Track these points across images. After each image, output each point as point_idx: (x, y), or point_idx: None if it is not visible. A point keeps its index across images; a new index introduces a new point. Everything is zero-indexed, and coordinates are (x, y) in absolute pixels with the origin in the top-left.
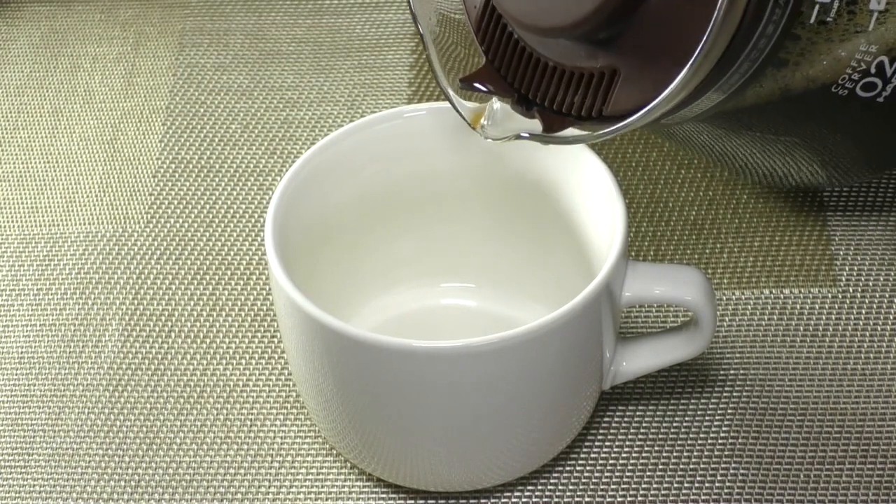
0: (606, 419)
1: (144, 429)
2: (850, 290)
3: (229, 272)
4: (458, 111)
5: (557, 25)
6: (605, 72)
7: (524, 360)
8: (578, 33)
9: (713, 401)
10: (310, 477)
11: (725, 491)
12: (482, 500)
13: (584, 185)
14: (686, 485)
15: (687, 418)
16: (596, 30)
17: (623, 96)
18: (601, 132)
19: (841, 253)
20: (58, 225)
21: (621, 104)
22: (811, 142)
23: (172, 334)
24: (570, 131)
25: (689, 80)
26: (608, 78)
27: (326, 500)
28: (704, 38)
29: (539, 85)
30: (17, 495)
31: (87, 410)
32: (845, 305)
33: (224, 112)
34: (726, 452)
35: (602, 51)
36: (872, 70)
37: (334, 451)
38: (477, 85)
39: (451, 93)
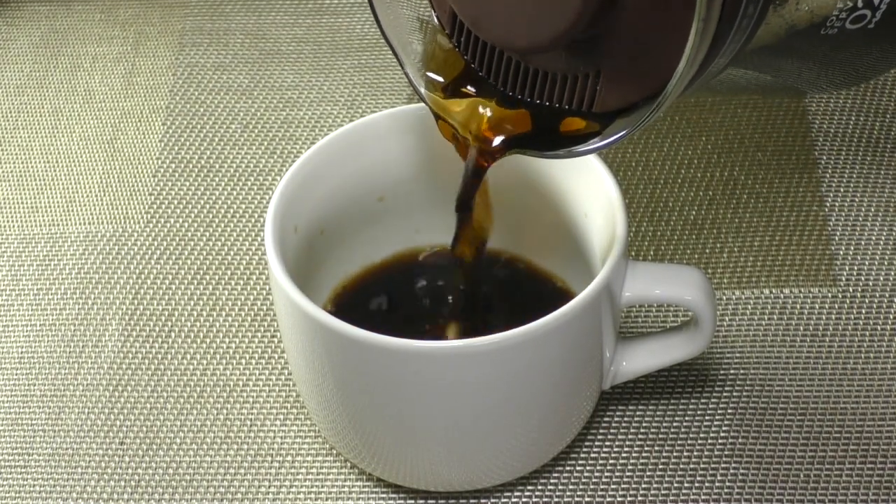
0: (606, 419)
1: (144, 429)
2: (850, 290)
3: (229, 272)
4: (444, 119)
5: (533, 45)
6: (588, 73)
7: (524, 360)
8: (555, 47)
9: (713, 401)
10: (310, 477)
11: (725, 491)
12: (482, 500)
13: (583, 184)
14: (686, 485)
15: (687, 418)
16: (572, 40)
17: (609, 93)
18: (616, 136)
19: (841, 253)
20: (58, 225)
21: (609, 102)
22: (805, 72)
23: (172, 334)
24: (582, 147)
25: (684, 73)
26: (592, 78)
27: (326, 500)
28: (694, 25)
29: (523, 85)
30: (17, 495)
31: (87, 410)
32: (845, 305)
33: (224, 112)
34: (726, 452)
35: (581, 53)
36: (860, 4)
37: (334, 451)
38: (462, 88)
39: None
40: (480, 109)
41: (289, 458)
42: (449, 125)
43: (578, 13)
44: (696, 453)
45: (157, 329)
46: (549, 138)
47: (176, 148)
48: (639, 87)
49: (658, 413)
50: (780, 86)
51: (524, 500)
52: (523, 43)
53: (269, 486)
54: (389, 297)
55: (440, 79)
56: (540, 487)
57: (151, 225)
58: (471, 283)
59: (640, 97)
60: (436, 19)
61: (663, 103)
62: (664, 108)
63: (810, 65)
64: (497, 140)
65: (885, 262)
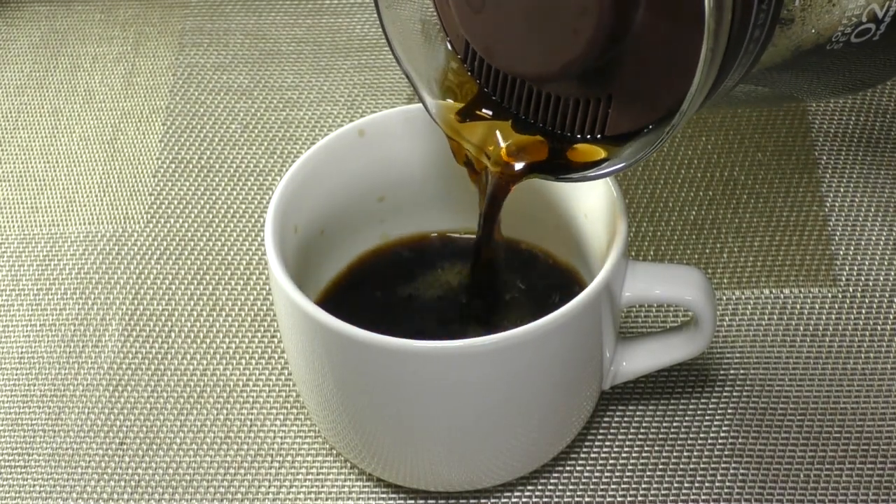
0: (606, 419)
1: (144, 429)
2: (850, 290)
3: (229, 272)
4: (459, 141)
5: (545, 74)
6: (600, 97)
7: (524, 360)
8: (567, 76)
9: (713, 401)
10: (310, 477)
11: (725, 491)
12: (482, 500)
13: (583, 185)
14: (686, 485)
15: (687, 418)
16: (583, 69)
17: (621, 117)
18: (631, 160)
19: (841, 253)
20: (58, 225)
21: (620, 125)
22: (810, 85)
23: (172, 334)
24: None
25: (695, 95)
26: (604, 103)
27: (326, 500)
28: (703, 47)
29: (536, 110)
30: (17, 495)
31: (87, 410)
32: (845, 305)
33: (224, 112)
34: (726, 452)
35: (593, 78)
36: (864, 19)
37: (334, 451)
38: (477, 111)
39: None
40: (496, 134)
41: (289, 458)
42: (464, 148)
43: (589, 43)
44: (696, 453)
45: (157, 329)
46: (563, 163)
47: (176, 148)
48: (649, 111)
49: (658, 413)
50: (780, 96)
51: (524, 500)
52: (535, 71)
53: (269, 486)
54: (387, 293)
55: (455, 104)
56: (540, 487)
57: (151, 225)
58: (480, 281)
59: (650, 121)
60: (449, 45)
61: (677, 126)
62: (676, 132)
63: (814, 77)
64: (517, 166)
65: (885, 262)
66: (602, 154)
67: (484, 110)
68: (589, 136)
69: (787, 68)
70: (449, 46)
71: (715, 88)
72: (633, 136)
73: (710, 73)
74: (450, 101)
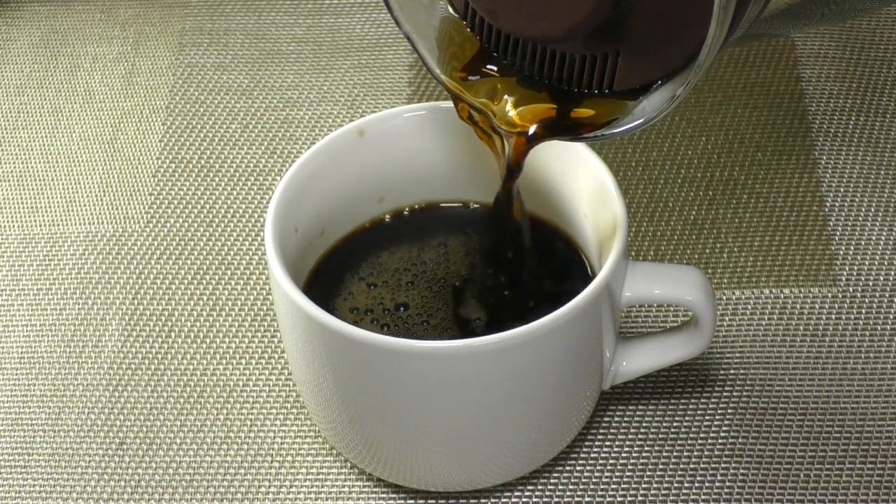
0: (606, 419)
1: (144, 429)
2: (850, 290)
3: (229, 272)
4: (465, 101)
5: (552, 35)
6: (607, 53)
7: (524, 360)
8: (574, 37)
9: (713, 401)
10: (310, 477)
11: (725, 491)
12: (482, 500)
13: (583, 185)
14: (686, 485)
15: (687, 418)
16: (590, 30)
17: (629, 72)
18: (650, 116)
19: (841, 253)
20: (58, 225)
21: (628, 80)
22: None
23: (172, 334)
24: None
25: (715, 39)
26: (611, 58)
27: (326, 500)
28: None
29: (541, 66)
30: (17, 495)
31: (87, 410)
32: (845, 305)
33: (224, 112)
34: (726, 452)
35: (599, 34)
36: None
37: (334, 451)
38: (482, 68)
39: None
40: (502, 91)
41: (289, 458)
42: (468, 106)
43: (596, 5)
44: (696, 453)
45: (157, 329)
46: (574, 123)
47: (176, 148)
48: (658, 65)
49: (658, 413)
50: (768, 34)
51: (524, 500)
52: (541, 34)
53: (269, 486)
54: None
55: (457, 61)
56: (540, 487)
57: (151, 225)
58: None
59: (659, 75)
60: (450, 7)
61: (692, 81)
62: (692, 87)
63: (810, 15)
64: (532, 128)
65: (885, 262)
66: (611, 111)
67: (488, 66)
68: (597, 92)
69: (789, 12)
70: (450, 9)
71: (727, 40)
72: (642, 91)
73: (724, 26)
74: (452, 59)
